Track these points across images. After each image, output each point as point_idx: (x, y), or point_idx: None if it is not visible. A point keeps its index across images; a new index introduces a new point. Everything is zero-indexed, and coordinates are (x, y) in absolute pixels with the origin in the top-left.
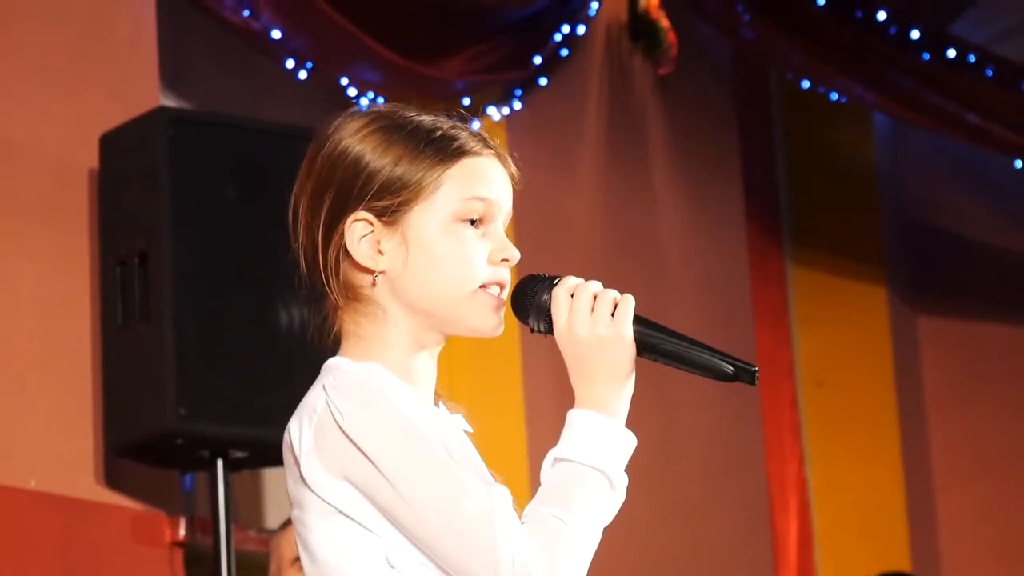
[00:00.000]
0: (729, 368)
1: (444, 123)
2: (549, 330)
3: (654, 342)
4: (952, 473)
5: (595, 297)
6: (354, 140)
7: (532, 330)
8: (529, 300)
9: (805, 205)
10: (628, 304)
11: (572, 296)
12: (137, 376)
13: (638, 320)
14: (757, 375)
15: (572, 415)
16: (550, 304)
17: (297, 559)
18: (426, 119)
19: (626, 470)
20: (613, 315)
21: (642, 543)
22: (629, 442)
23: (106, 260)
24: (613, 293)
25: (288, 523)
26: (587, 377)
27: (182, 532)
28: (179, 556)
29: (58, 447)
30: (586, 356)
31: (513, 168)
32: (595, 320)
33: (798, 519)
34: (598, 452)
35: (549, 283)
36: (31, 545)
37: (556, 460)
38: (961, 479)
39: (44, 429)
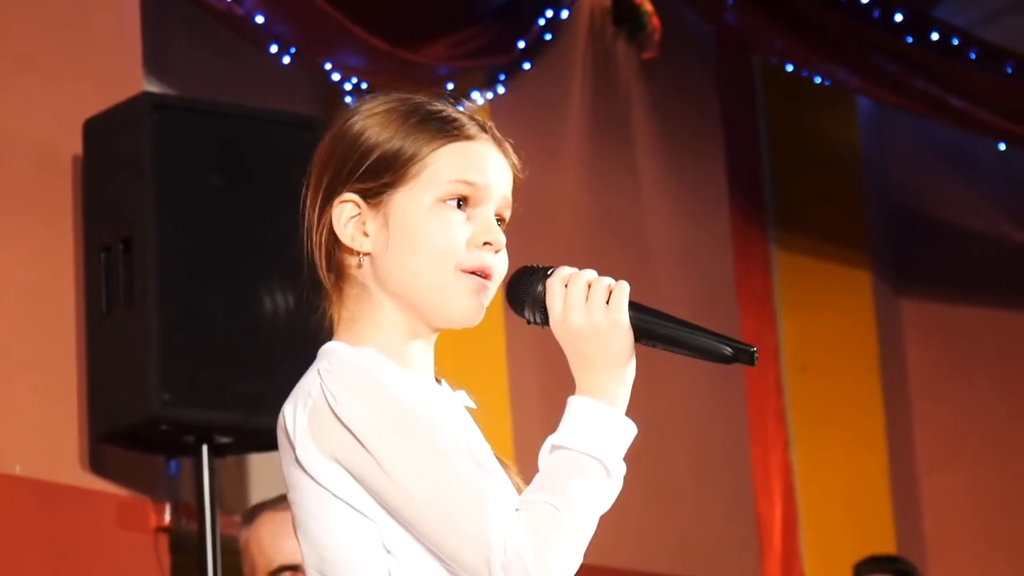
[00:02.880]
0: (728, 350)
1: (447, 108)
2: (545, 321)
3: (651, 327)
4: (936, 456)
5: (589, 286)
6: (357, 119)
7: (529, 322)
8: (524, 292)
9: (789, 190)
10: (623, 291)
11: (566, 286)
12: (121, 362)
13: (634, 306)
14: (756, 355)
15: (571, 402)
16: (544, 295)
17: (273, 572)
18: (430, 104)
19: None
20: (608, 303)
21: (628, 529)
22: (628, 430)
23: (90, 246)
24: (608, 280)
25: (250, 517)
26: (586, 366)
27: (167, 518)
28: (164, 541)
29: (43, 433)
30: (584, 345)
31: (514, 157)
32: (590, 309)
33: (782, 503)
34: (596, 440)
35: (543, 274)
36: (16, 531)
37: (553, 447)
38: (945, 462)
39: (29, 415)
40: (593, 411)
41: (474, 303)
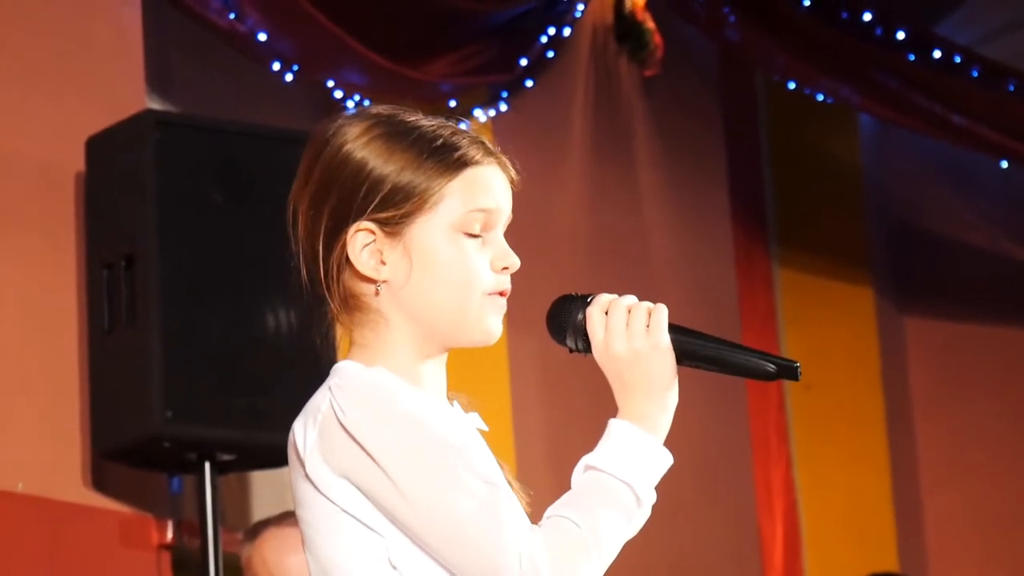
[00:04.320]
0: (771, 367)
1: (445, 130)
2: (587, 349)
3: (692, 348)
4: (939, 473)
5: (629, 311)
6: (356, 146)
7: (571, 350)
8: (565, 321)
9: (791, 207)
10: (661, 314)
11: (606, 313)
12: (124, 379)
13: (673, 328)
14: (800, 370)
15: (611, 425)
16: (585, 324)
17: None
18: (426, 125)
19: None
20: (648, 327)
21: (629, 545)
22: (664, 460)
23: (92, 263)
24: (647, 305)
25: (254, 534)
26: (628, 391)
27: (169, 535)
28: (166, 559)
29: (45, 450)
30: (626, 372)
31: (513, 172)
32: (631, 335)
33: (784, 521)
34: (630, 465)
35: (582, 302)
36: (18, 548)
37: (587, 467)
38: (948, 479)
39: (31, 432)
40: (631, 436)
41: (496, 324)
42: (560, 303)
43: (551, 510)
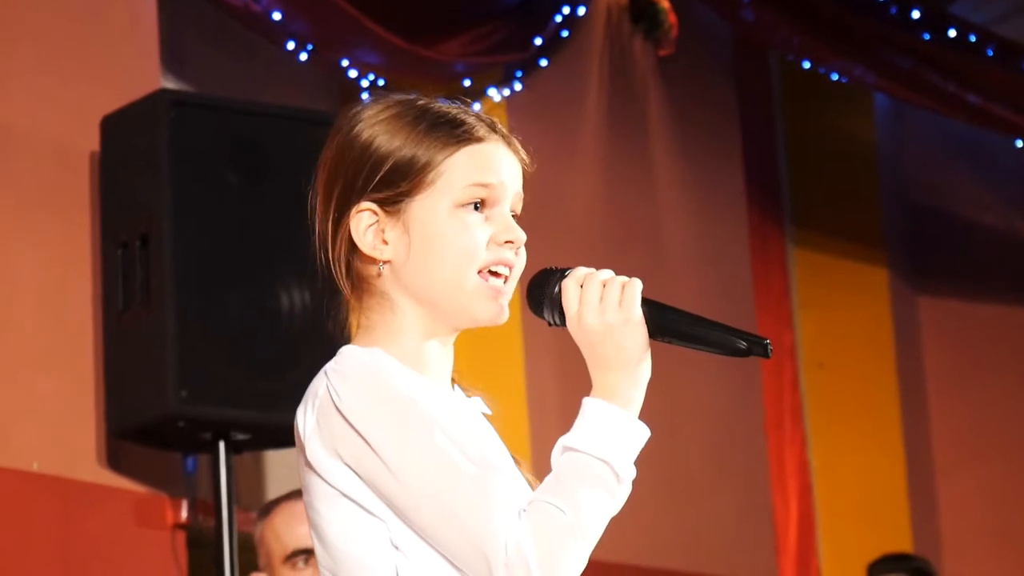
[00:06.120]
0: (742, 344)
1: (453, 110)
2: (564, 322)
3: (665, 323)
4: (953, 455)
5: (604, 285)
6: (364, 127)
7: (549, 324)
8: (542, 295)
9: (806, 187)
10: (634, 288)
11: (581, 287)
12: (138, 359)
13: (647, 303)
14: (770, 348)
15: (585, 403)
16: (561, 297)
17: (289, 556)
18: (436, 106)
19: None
20: (621, 301)
21: (643, 526)
22: (640, 434)
23: (107, 243)
24: (622, 279)
25: (266, 511)
26: (601, 365)
27: (184, 514)
28: (181, 538)
29: (60, 430)
30: (598, 344)
31: (522, 152)
32: (604, 308)
33: (799, 502)
34: (607, 443)
35: (560, 275)
36: (33, 527)
37: (565, 448)
38: (962, 461)
39: (46, 412)
40: (606, 413)
41: (496, 306)
42: (539, 276)
43: (535, 495)
